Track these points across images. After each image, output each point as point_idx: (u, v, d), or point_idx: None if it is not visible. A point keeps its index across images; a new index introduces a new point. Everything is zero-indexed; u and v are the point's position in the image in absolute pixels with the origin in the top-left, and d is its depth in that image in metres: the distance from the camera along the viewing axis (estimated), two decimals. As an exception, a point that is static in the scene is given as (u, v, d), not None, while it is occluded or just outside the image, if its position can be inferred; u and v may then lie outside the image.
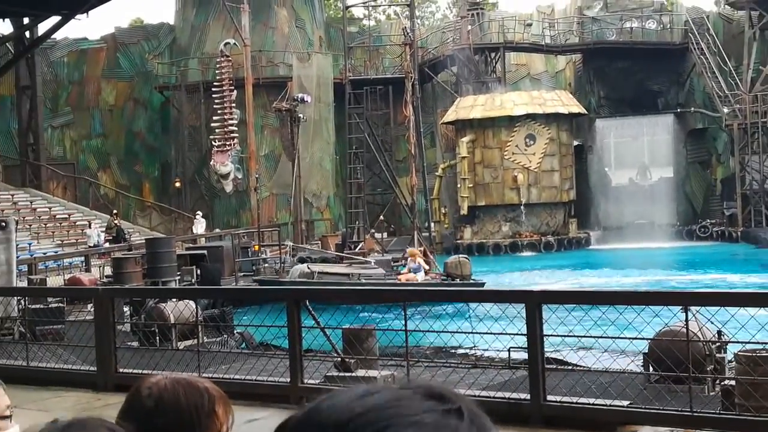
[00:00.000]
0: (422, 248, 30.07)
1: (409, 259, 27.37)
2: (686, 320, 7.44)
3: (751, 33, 44.39)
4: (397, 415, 1.03)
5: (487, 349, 11.98)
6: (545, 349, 8.06)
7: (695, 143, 49.04)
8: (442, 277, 26.81)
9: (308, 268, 26.10)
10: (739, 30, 46.44)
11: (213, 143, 37.22)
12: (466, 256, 30.19)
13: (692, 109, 48.16)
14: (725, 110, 44.52)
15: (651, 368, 9.18)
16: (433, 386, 1.09)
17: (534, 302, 7.82)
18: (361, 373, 9.25)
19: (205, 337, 14.24)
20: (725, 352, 9.52)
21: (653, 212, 47.06)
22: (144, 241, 26.76)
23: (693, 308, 8.05)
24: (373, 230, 37.01)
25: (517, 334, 8.55)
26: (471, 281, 26.10)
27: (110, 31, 50.91)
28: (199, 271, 24.30)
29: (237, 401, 8.52)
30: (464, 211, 45.94)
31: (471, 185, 45.75)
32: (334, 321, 10.50)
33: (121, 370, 9.93)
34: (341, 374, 9.29)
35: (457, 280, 25.90)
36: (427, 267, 27.17)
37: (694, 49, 45.84)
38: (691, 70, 48.30)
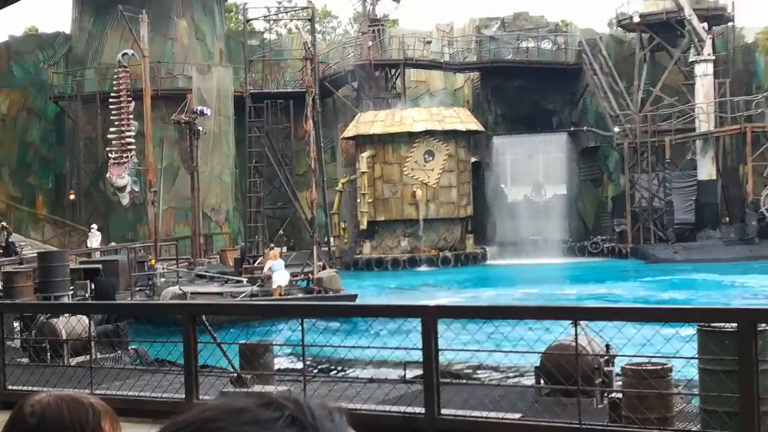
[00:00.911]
0: (321, 263, 30.16)
1: (268, 265, 27.88)
2: (575, 334, 7.64)
3: (642, 54, 45.86)
4: (215, 428, 1.07)
5: (383, 364, 12.07)
6: (440, 364, 8.16)
7: (588, 161, 50.32)
8: (317, 291, 27.99)
9: (180, 289, 25.99)
10: (630, 51, 47.93)
11: (110, 155, 36.51)
12: (336, 270, 31.69)
13: (585, 128, 49.42)
14: (616, 129, 45.83)
15: (542, 381, 9.40)
16: (274, 397, 1.11)
17: (430, 317, 7.90)
18: (257, 388, 9.21)
19: (98, 354, 13.95)
20: (613, 366, 9.81)
21: (547, 228, 48.01)
22: (36, 254, 26.09)
23: (582, 322, 8.27)
24: (272, 245, 36.74)
25: (412, 348, 8.63)
26: (344, 294, 27.94)
27: (3, 39, 49.61)
28: (93, 286, 23.80)
29: (130, 418, 8.39)
30: (364, 225, 46.10)
31: (371, 200, 45.95)
32: (231, 338, 10.44)
33: (9, 387, 9.66)
34: (237, 390, 9.23)
35: (331, 293, 27.46)
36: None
37: (588, 69, 47.07)
38: (584, 90, 49.59)
